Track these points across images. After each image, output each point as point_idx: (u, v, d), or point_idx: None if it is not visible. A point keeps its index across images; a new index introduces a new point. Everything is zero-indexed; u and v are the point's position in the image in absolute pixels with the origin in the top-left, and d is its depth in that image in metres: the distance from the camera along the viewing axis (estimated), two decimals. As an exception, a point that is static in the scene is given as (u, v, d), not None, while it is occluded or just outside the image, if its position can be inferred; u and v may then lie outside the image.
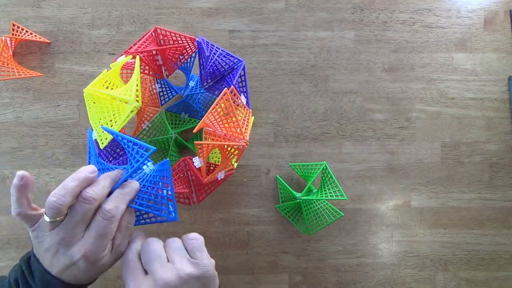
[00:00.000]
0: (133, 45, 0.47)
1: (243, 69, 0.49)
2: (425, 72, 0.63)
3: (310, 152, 0.62)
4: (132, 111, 0.39)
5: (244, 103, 0.47)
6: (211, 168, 0.49)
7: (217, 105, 0.42)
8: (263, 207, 0.62)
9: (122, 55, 0.46)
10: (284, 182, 0.59)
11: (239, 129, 0.43)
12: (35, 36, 0.59)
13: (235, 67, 0.49)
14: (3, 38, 0.55)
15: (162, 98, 0.58)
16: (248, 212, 0.61)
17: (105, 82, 0.41)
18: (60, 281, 0.33)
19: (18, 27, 0.59)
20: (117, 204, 0.33)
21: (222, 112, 0.43)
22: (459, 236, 0.63)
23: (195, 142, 0.43)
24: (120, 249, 0.34)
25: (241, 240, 0.61)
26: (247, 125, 0.46)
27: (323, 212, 0.57)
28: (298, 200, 0.57)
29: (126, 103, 0.39)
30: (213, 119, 0.43)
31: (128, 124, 0.57)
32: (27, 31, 0.59)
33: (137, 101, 0.39)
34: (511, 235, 0.63)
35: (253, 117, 0.49)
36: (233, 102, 0.43)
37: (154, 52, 0.48)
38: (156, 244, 0.33)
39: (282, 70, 0.62)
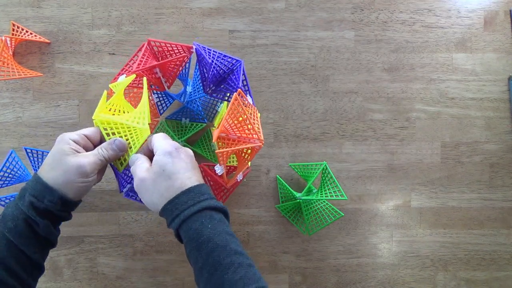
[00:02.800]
0: (130, 61, 0.47)
1: (243, 68, 0.49)
2: (425, 72, 0.63)
3: (310, 152, 0.62)
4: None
5: (251, 102, 0.48)
6: (229, 171, 0.50)
7: (230, 112, 0.42)
8: (263, 207, 0.62)
9: (121, 74, 0.45)
10: (284, 182, 0.59)
11: (255, 134, 0.44)
12: (35, 36, 0.59)
13: (234, 68, 0.49)
14: (3, 38, 0.55)
15: (160, 107, 0.56)
16: (248, 212, 0.61)
17: (112, 106, 0.42)
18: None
19: (18, 27, 0.59)
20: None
21: (236, 120, 0.43)
22: (459, 236, 0.63)
23: (216, 151, 0.43)
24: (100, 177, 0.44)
25: (241, 240, 0.61)
26: (258, 125, 0.46)
27: (323, 212, 0.57)
28: (298, 200, 0.57)
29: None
30: (228, 125, 0.43)
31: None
32: (27, 31, 0.59)
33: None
34: (511, 235, 0.63)
35: (259, 114, 0.49)
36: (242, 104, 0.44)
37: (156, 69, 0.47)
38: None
39: (282, 70, 0.62)
